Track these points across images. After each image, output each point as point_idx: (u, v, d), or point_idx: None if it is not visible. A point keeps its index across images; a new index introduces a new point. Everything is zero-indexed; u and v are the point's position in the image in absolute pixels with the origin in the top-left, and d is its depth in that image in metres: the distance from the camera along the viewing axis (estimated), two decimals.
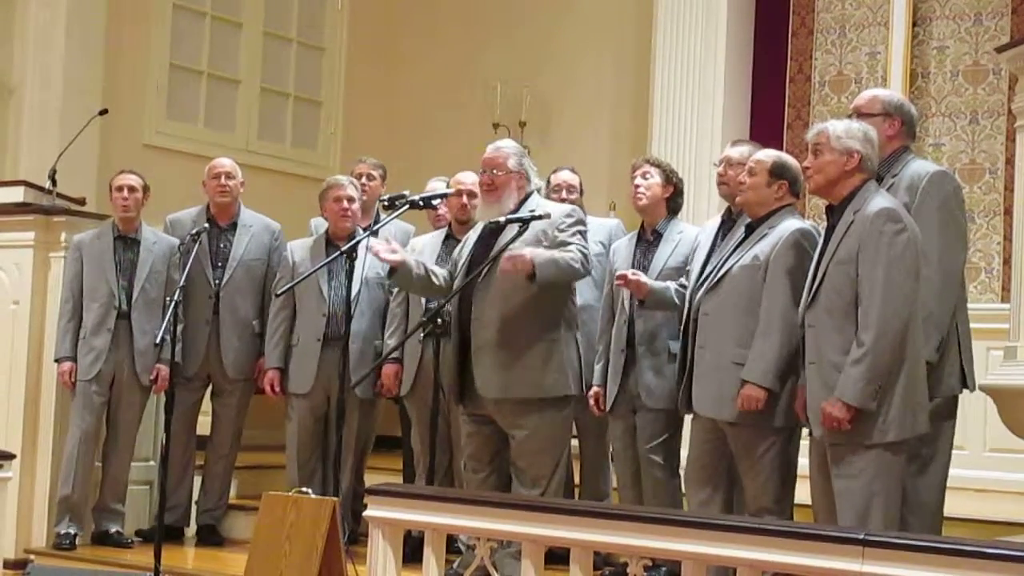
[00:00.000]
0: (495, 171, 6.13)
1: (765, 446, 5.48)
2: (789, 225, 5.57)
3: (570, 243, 5.98)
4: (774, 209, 5.64)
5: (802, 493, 5.53)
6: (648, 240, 6.40)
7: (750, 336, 5.47)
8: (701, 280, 5.74)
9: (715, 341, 5.57)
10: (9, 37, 9.45)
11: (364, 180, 7.49)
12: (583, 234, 6.12)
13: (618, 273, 6.11)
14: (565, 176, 6.95)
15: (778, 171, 5.63)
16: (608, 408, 6.34)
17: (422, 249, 6.79)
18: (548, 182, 6.88)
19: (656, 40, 9.74)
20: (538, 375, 6.03)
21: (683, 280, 6.03)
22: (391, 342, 6.90)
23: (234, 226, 7.55)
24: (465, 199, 6.68)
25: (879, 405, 4.92)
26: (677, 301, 6.00)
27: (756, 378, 5.38)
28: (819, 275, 5.11)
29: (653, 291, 6.01)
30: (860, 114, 5.53)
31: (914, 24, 9.05)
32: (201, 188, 7.62)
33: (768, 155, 5.71)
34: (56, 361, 7.32)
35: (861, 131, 5.20)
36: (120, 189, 7.36)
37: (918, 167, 5.50)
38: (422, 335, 6.53)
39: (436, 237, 6.88)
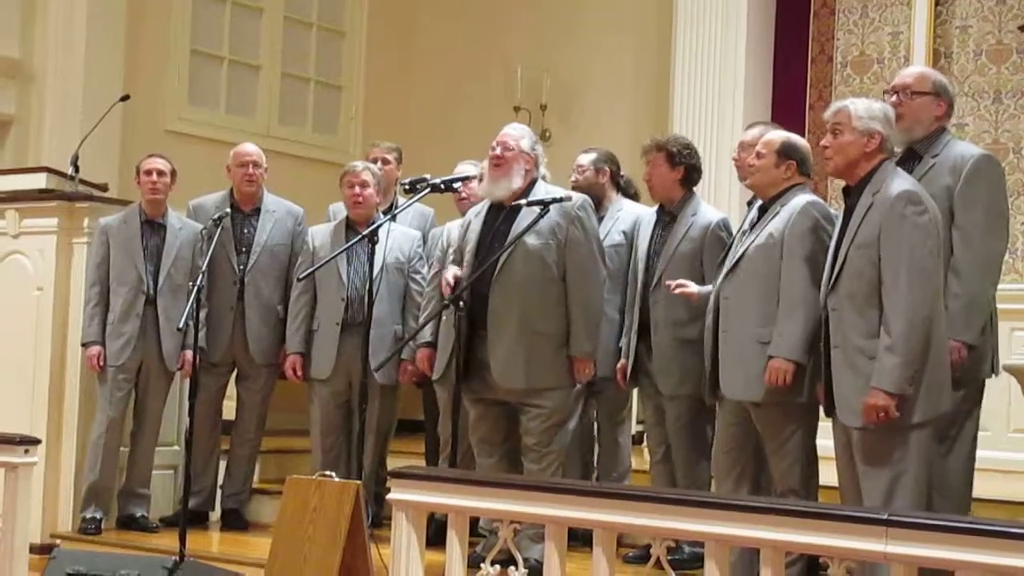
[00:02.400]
0: (505, 148, 6.15)
1: (792, 427, 5.48)
2: (799, 200, 5.57)
3: (587, 267, 6.11)
4: (784, 189, 5.64)
5: (827, 475, 5.53)
6: (665, 221, 6.41)
7: (772, 315, 5.47)
8: (719, 265, 5.76)
9: (738, 324, 5.57)
10: (31, 24, 9.48)
11: (379, 164, 7.49)
12: (594, 227, 6.21)
13: (666, 284, 6.13)
14: (578, 157, 6.96)
15: (786, 151, 5.63)
16: (626, 382, 6.41)
17: (459, 236, 6.77)
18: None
19: (677, 21, 9.73)
20: (556, 364, 6.09)
21: None
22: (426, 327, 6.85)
23: (257, 211, 7.55)
24: None
25: None
26: None
27: (783, 352, 5.38)
28: (840, 259, 5.10)
29: (701, 296, 5.98)
30: (912, 93, 5.47)
31: (936, 3, 9.02)
32: (223, 173, 7.63)
33: (776, 136, 5.72)
34: (83, 345, 7.33)
35: (882, 111, 5.17)
36: (149, 173, 7.36)
37: (961, 149, 5.45)
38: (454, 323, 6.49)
39: (464, 224, 6.84)
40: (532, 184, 6.21)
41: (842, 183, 5.32)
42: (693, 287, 5.99)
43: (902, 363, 4.88)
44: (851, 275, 5.04)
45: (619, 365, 6.46)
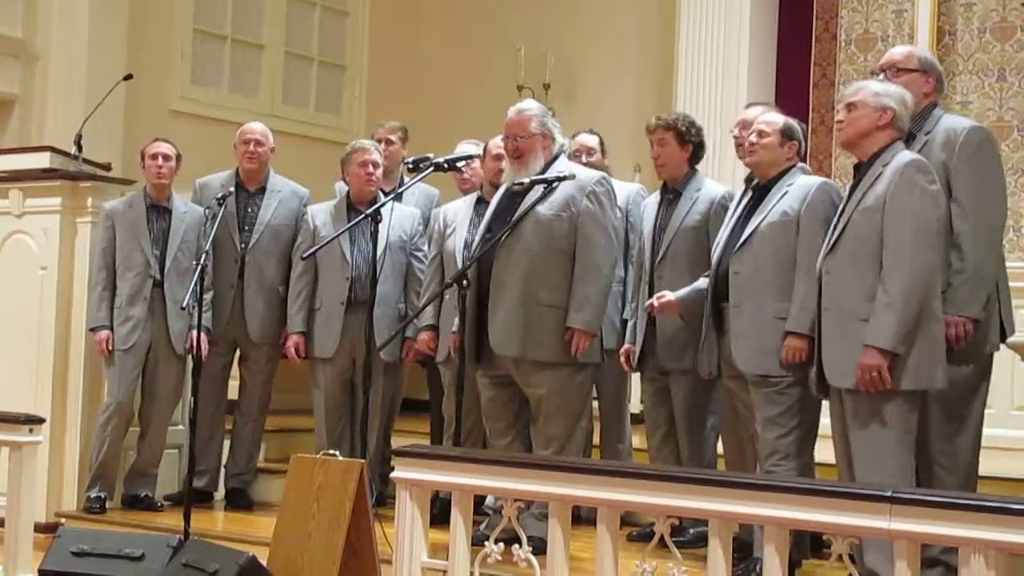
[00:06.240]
0: (519, 136, 6.12)
1: (794, 400, 5.52)
2: (812, 179, 5.69)
3: (596, 240, 6.01)
4: (786, 168, 5.73)
5: (826, 452, 5.53)
6: (669, 198, 6.40)
7: (787, 290, 5.50)
8: (726, 242, 5.77)
9: (752, 298, 5.61)
10: (34, 3, 9.46)
11: (383, 146, 7.48)
12: (611, 205, 6.14)
13: (645, 306, 6.12)
14: (582, 139, 6.96)
15: (789, 132, 5.76)
16: (634, 366, 6.37)
17: (455, 215, 6.77)
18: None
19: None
20: (557, 339, 6.03)
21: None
22: (427, 309, 6.84)
23: (262, 190, 7.55)
24: (496, 162, 6.64)
25: None
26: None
27: (803, 328, 5.40)
28: (841, 224, 5.15)
29: (683, 300, 5.98)
30: (898, 69, 5.52)
31: None
32: (226, 153, 7.65)
33: (777, 117, 5.84)
34: (91, 330, 7.33)
35: (898, 92, 5.23)
36: (155, 157, 7.36)
37: (952, 123, 5.48)
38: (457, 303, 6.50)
39: (468, 202, 6.85)
40: (553, 160, 6.15)
41: (844, 164, 5.36)
42: (669, 295, 5.97)
43: (898, 320, 4.92)
44: (852, 238, 5.09)
45: (624, 349, 6.44)
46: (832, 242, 5.16)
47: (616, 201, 6.28)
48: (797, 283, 5.49)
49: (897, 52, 5.71)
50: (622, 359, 6.42)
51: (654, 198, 6.53)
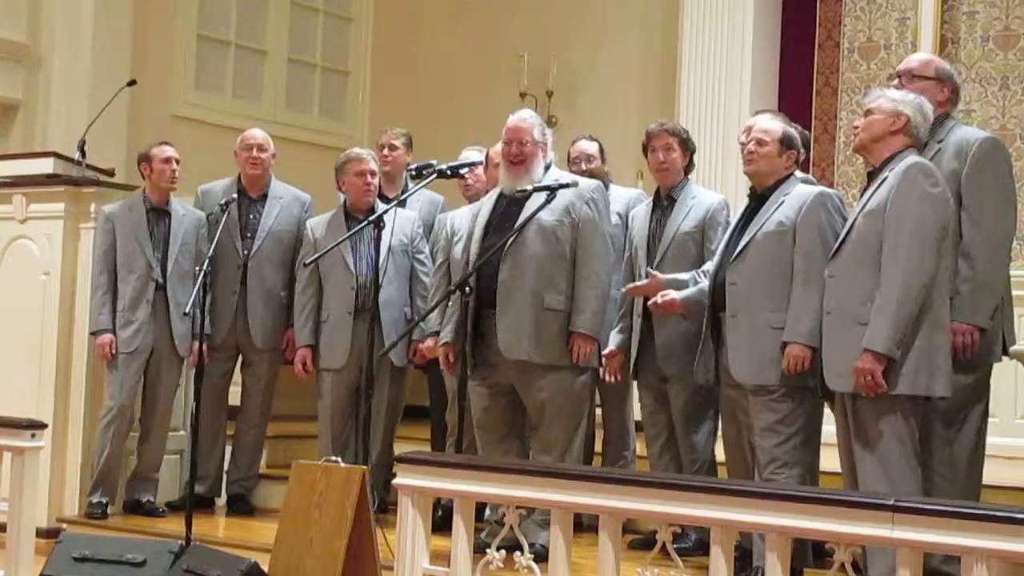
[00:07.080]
0: (524, 142, 6.14)
1: (792, 408, 5.51)
2: (808, 188, 5.66)
3: (596, 246, 6.09)
4: (783, 177, 5.71)
5: (830, 460, 5.53)
6: (663, 206, 6.41)
7: (783, 300, 5.49)
8: (723, 252, 5.77)
9: (748, 308, 5.59)
10: (37, 8, 9.48)
11: (386, 150, 7.48)
12: (608, 212, 6.23)
13: (650, 304, 6.04)
14: (582, 146, 6.99)
15: (787, 141, 5.74)
16: (631, 375, 6.38)
17: (461, 222, 6.77)
18: (568, 154, 6.93)
19: (684, 7, 9.70)
20: (562, 343, 6.08)
21: (706, 267, 6.01)
22: (433, 315, 6.85)
23: (264, 197, 7.55)
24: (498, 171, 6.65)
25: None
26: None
27: (802, 338, 5.38)
28: (846, 229, 5.17)
29: (687, 299, 5.96)
30: (913, 76, 5.52)
31: None
32: (229, 159, 7.65)
33: (776, 125, 5.81)
34: (93, 334, 7.33)
35: (916, 99, 5.25)
36: (168, 161, 7.36)
37: (966, 133, 5.49)
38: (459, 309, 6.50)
39: (475, 210, 6.84)
40: (547, 169, 6.21)
41: (847, 172, 5.37)
42: (673, 293, 5.94)
43: (891, 324, 4.92)
44: (855, 241, 5.11)
45: (608, 351, 6.40)
46: (837, 246, 5.17)
47: (611, 209, 6.32)
48: (794, 292, 5.48)
49: (915, 59, 5.74)
50: (605, 366, 6.40)
51: (644, 206, 6.54)
